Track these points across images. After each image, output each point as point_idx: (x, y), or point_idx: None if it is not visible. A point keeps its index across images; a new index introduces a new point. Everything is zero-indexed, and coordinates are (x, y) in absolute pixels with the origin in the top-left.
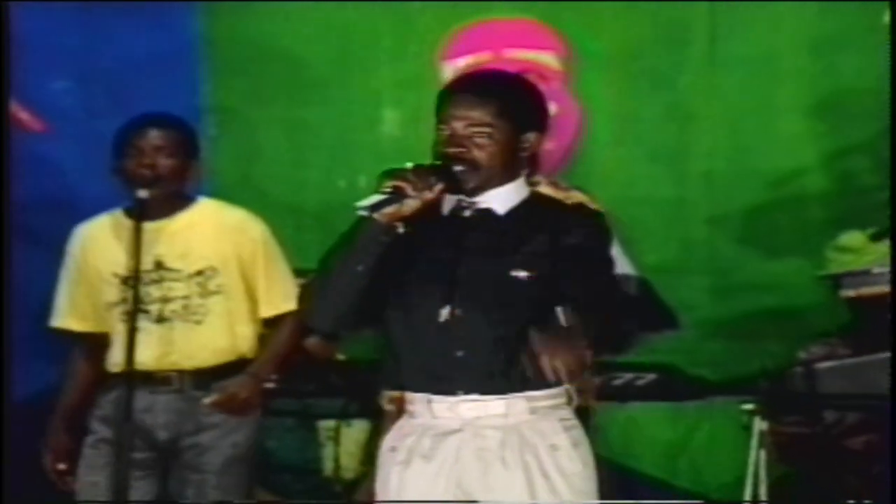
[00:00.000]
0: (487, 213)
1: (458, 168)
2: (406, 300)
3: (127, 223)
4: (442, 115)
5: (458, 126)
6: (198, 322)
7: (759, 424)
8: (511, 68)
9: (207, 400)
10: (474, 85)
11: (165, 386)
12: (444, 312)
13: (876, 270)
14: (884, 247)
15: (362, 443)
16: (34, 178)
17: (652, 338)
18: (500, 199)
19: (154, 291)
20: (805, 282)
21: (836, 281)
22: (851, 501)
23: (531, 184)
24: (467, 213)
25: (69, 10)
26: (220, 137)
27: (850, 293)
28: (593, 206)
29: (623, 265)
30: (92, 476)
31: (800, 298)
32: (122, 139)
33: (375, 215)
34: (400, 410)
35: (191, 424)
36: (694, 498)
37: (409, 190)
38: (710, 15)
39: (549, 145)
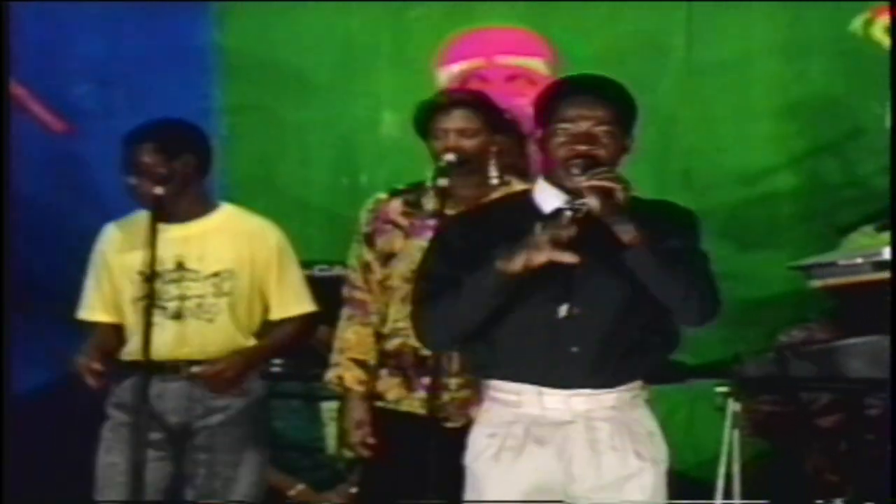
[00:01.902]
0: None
1: (586, 165)
2: (520, 298)
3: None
4: (562, 115)
5: (585, 125)
6: (210, 320)
7: (733, 406)
8: (502, 74)
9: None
10: (594, 86)
11: (176, 374)
12: (563, 309)
13: (844, 262)
14: (859, 240)
15: (367, 420)
16: (63, 176)
17: None
18: None
19: (173, 289)
20: (777, 272)
21: (806, 271)
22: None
23: (504, 184)
24: (574, 213)
25: (91, 17)
26: (232, 138)
27: (818, 283)
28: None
29: None
30: (111, 457)
31: (772, 288)
32: (124, 158)
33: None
34: (368, 394)
35: (200, 409)
36: (673, 474)
37: (618, 192)
38: (688, 23)
39: (535, 148)
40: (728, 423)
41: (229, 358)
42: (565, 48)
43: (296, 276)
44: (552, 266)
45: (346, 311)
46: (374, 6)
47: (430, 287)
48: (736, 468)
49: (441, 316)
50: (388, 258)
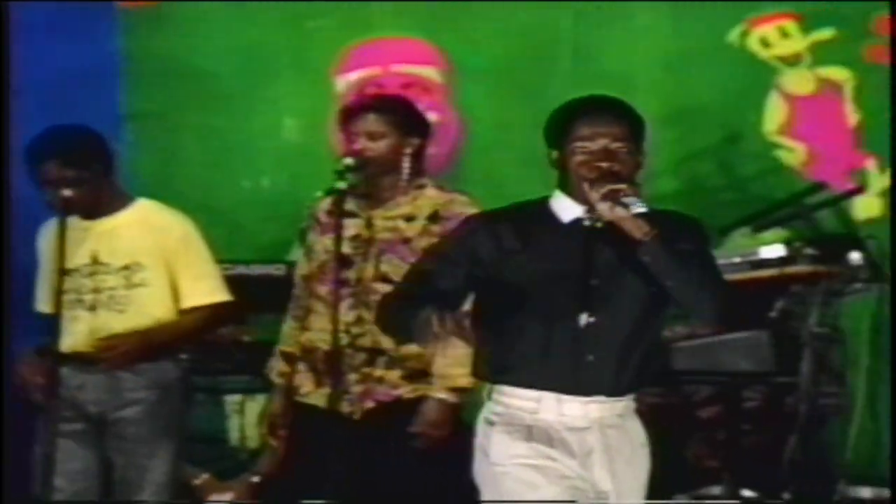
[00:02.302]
0: (611, 223)
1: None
2: (539, 308)
3: (75, 222)
4: (579, 134)
5: (603, 142)
6: (121, 311)
7: None
8: (398, 82)
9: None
10: (607, 106)
11: (92, 366)
12: (583, 318)
13: (722, 262)
14: (733, 241)
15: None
16: None
17: None
18: None
19: (89, 283)
20: None
21: None
22: None
23: (418, 186)
24: (592, 224)
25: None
26: (139, 143)
27: None
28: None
29: None
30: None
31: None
32: (29, 171)
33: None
34: (288, 387)
35: (117, 400)
36: None
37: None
38: (574, 34)
39: (433, 151)
40: None
41: (125, 335)
42: (458, 58)
43: (206, 266)
44: (571, 277)
45: (290, 305)
46: (275, 16)
47: (403, 282)
48: None
49: (383, 315)
50: (308, 255)
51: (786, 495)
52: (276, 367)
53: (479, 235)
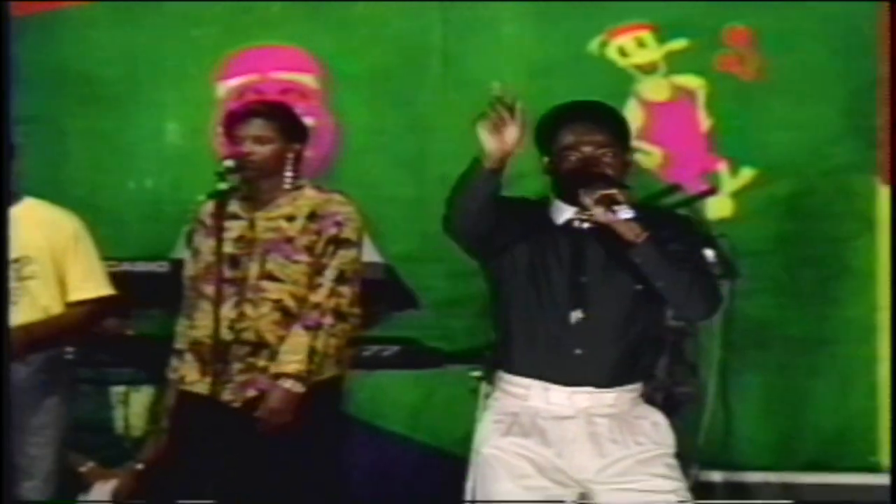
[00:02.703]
0: (601, 225)
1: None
2: (532, 302)
3: None
4: (564, 142)
5: (588, 150)
6: (13, 303)
7: (485, 388)
8: (276, 88)
9: None
10: (590, 112)
11: None
12: (574, 315)
13: None
14: None
15: (148, 406)
16: None
17: (396, 315)
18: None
19: None
20: None
21: None
22: None
23: (297, 187)
24: (583, 225)
25: None
26: (29, 145)
27: None
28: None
29: (371, 254)
30: None
31: None
32: None
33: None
34: (182, 379)
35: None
36: (432, 449)
37: (619, 198)
38: (444, 43)
39: (310, 154)
40: (480, 403)
41: (10, 327)
42: (333, 65)
43: (91, 262)
44: (563, 275)
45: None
46: (159, 24)
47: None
48: None
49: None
50: (195, 255)
51: None
52: (172, 364)
53: (514, 213)
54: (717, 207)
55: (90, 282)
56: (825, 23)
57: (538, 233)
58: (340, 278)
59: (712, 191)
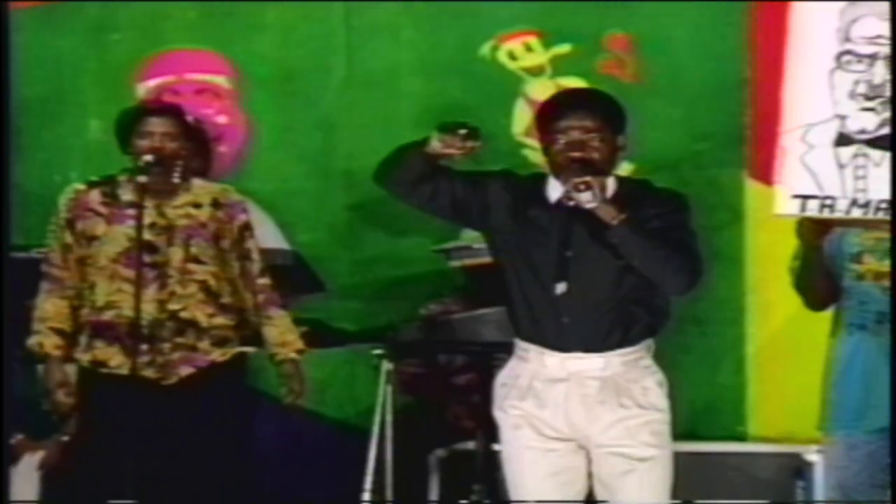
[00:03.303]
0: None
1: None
2: (524, 273)
3: None
4: (557, 127)
5: (576, 135)
6: None
7: (386, 366)
8: (191, 88)
9: None
10: (583, 99)
11: None
12: (560, 287)
13: (476, 246)
14: None
15: (76, 381)
16: None
17: (304, 298)
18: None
19: None
20: (422, 255)
21: (447, 254)
22: None
23: (184, 178)
24: (572, 204)
25: None
26: None
27: (457, 263)
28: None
29: (280, 242)
30: None
31: (418, 268)
32: None
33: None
34: (66, 357)
35: None
36: (337, 422)
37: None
38: (347, 46)
39: (223, 149)
40: (382, 380)
41: None
42: (245, 67)
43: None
44: (552, 249)
45: (44, 286)
46: (80, 29)
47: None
48: (389, 417)
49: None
50: (90, 240)
51: None
52: (49, 341)
53: (510, 188)
54: None
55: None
56: (696, 30)
57: (532, 208)
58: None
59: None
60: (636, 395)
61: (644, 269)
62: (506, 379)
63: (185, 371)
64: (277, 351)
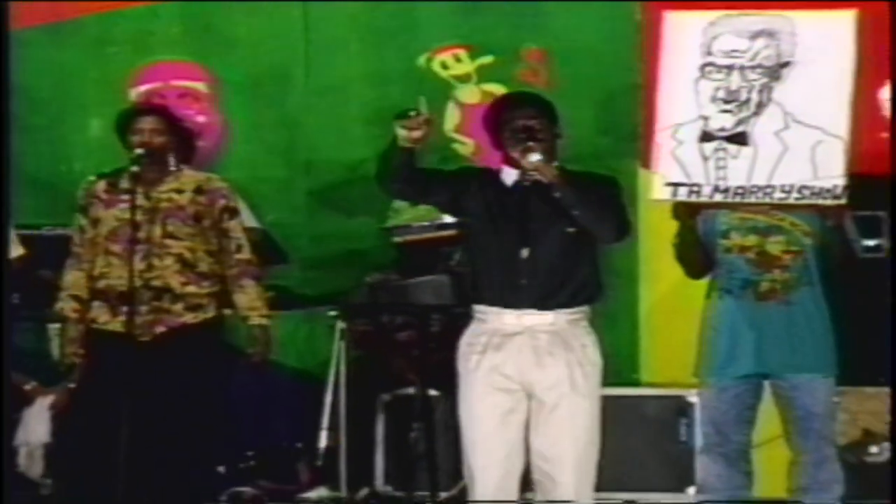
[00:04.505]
0: (539, 182)
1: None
2: (491, 246)
3: None
4: (507, 119)
5: (521, 122)
6: None
7: (339, 325)
8: (176, 93)
9: None
10: (522, 98)
11: None
12: (524, 252)
13: (415, 225)
14: (420, 211)
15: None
16: None
17: (271, 269)
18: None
19: None
20: (369, 232)
21: (390, 231)
22: None
23: (178, 169)
24: (527, 184)
25: None
26: None
27: (399, 239)
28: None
29: (251, 221)
30: None
31: (366, 243)
32: None
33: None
34: (81, 320)
35: None
36: (298, 371)
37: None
38: (306, 58)
39: (202, 144)
40: (336, 336)
41: None
42: (221, 75)
43: (9, 230)
44: (514, 223)
45: (68, 261)
46: (81, 43)
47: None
48: (342, 367)
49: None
50: (95, 223)
51: None
52: (68, 306)
53: (474, 178)
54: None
55: (11, 244)
56: (597, 44)
57: (493, 192)
58: (246, 239)
59: None
60: (577, 349)
61: (582, 218)
62: (470, 339)
63: (159, 329)
64: (246, 315)
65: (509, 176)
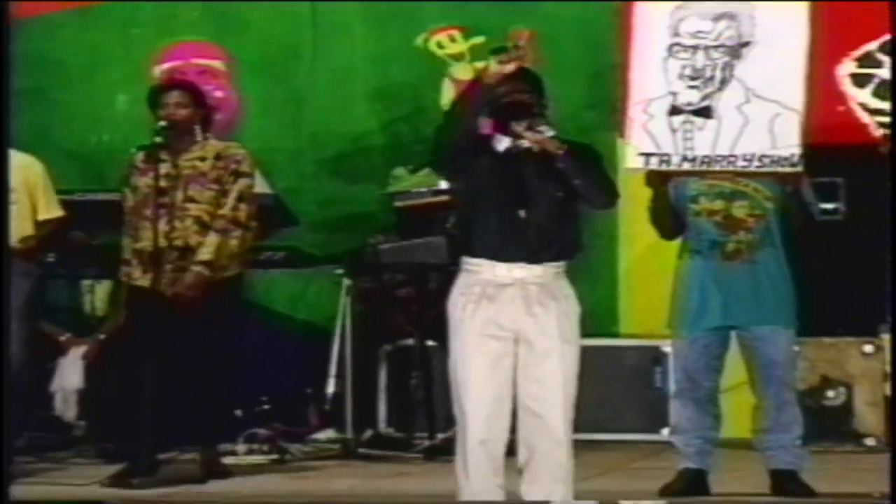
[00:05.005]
0: (530, 149)
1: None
2: (490, 206)
3: None
4: (499, 94)
5: (516, 96)
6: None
7: (346, 282)
8: (195, 71)
9: None
10: (523, 74)
11: None
12: (522, 213)
13: (414, 191)
14: (418, 178)
15: (106, 294)
16: None
17: (282, 230)
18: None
19: None
20: (371, 198)
21: (392, 197)
22: None
23: (204, 139)
24: (519, 151)
25: None
26: (27, 111)
27: (399, 204)
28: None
29: (264, 187)
30: None
31: (369, 207)
32: None
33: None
34: (129, 277)
35: None
36: (307, 324)
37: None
38: (313, 39)
39: (219, 117)
40: (342, 293)
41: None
42: (236, 54)
43: (50, 193)
44: (508, 186)
45: (124, 229)
46: (109, 26)
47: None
48: (348, 321)
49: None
50: (134, 191)
51: None
52: (123, 269)
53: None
54: None
55: (51, 206)
56: (581, 26)
57: (487, 158)
58: (240, 198)
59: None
60: (562, 299)
61: (583, 188)
62: (462, 289)
63: (179, 287)
64: (195, 257)
65: (501, 143)
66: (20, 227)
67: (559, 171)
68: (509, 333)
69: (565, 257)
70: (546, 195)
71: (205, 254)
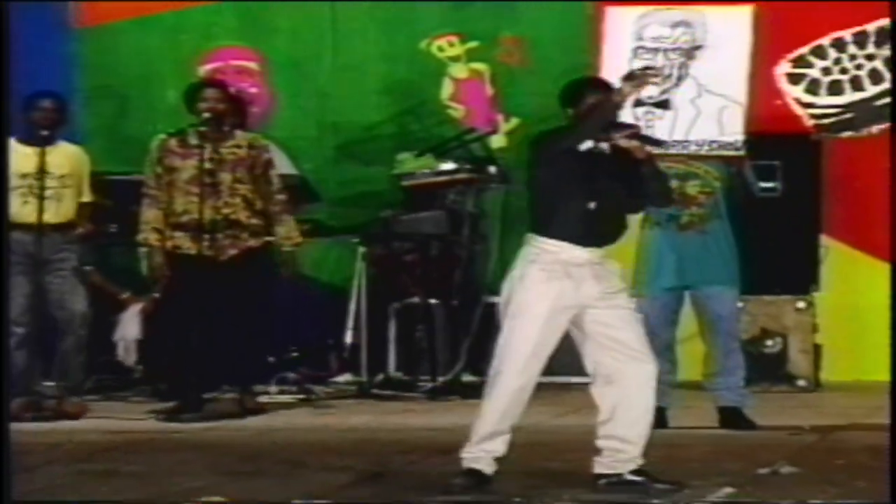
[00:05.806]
0: (602, 152)
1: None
2: (568, 196)
3: (28, 148)
4: (592, 102)
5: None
6: (58, 200)
7: (360, 249)
8: (234, 70)
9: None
10: (595, 81)
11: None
12: (592, 205)
13: (418, 172)
14: (421, 161)
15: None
16: None
17: (307, 206)
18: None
19: (48, 182)
20: (384, 177)
21: (399, 177)
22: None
23: (232, 129)
24: (596, 151)
25: None
26: (97, 104)
27: (406, 184)
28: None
29: (291, 169)
30: None
31: (381, 186)
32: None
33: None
34: (162, 246)
35: (52, 253)
36: (329, 284)
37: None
38: (334, 41)
39: (254, 110)
40: (358, 258)
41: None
42: (268, 56)
43: (88, 180)
44: (586, 182)
45: (145, 201)
46: (161, 32)
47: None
48: (363, 282)
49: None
50: (170, 171)
51: (454, 302)
52: (153, 236)
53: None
54: (497, 141)
55: (91, 192)
56: (561, 31)
57: (571, 156)
58: (281, 184)
59: (493, 131)
60: (614, 273)
61: (656, 190)
62: (543, 265)
63: (232, 252)
64: (283, 242)
65: (584, 144)
66: (69, 207)
67: (640, 172)
68: (577, 305)
69: (616, 241)
70: (612, 190)
71: (295, 237)
